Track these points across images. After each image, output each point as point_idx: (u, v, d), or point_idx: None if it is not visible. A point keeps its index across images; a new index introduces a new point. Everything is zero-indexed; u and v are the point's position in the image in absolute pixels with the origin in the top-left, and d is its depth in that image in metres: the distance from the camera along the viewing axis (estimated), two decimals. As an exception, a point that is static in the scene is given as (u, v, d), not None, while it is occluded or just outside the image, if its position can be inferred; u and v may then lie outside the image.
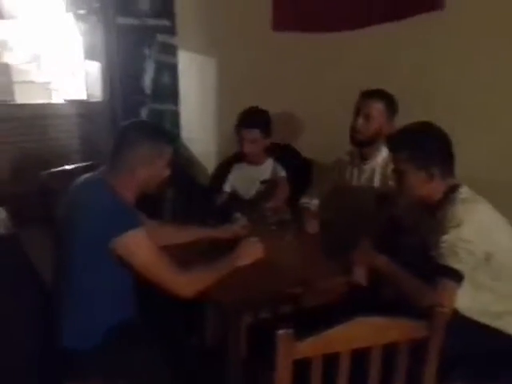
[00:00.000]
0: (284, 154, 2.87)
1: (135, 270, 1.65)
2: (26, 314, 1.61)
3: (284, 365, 1.12)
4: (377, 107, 2.22)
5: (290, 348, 1.11)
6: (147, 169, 1.71)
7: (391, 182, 2.15)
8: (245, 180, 2.76)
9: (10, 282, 1.62)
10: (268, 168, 2.74)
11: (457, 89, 2.34)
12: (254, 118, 2.63)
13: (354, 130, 2.27)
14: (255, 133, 2.60)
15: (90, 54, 4.75)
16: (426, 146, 1.67)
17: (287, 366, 1.12)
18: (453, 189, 1.68)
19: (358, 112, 2.26)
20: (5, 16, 5.43)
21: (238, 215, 2.26)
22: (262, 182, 2.71)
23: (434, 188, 1.69)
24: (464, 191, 1.67)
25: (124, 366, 1.65)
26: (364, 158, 2.33)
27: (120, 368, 1.65)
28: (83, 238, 1.60)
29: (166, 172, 1.79)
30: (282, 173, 2.71)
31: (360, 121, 2.24)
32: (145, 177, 1.71)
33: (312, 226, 2.25)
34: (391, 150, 1.79)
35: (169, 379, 1.68)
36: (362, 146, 2.30)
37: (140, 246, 1.62)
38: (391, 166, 2.17)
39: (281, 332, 1.10)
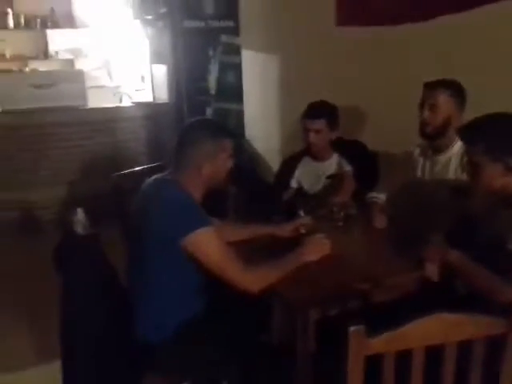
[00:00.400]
0: (350, 148, 2.83)
1: (204, 267, 1.69)
2: (107, 309, 1.68)
3: (356, 361, 1.11)
4: (442, 96, 2.16)
5: (362, 344, 1.09)
6: (212, 164, 1.76)
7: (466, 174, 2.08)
8: (310, 175, 2.76)
9: (91, 281, 1.69)
10: (333, 163, 2.72)
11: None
12: (319, 109, 2.62)
13: (422, 123, 2.21)
14: (320, 123, 2.58)
15: (156, 58, 4.90)
16: (503, 137, 1.59)
17: (359, 363, 1.11)
18: None
19: (423, 104, 2.21)
20: (78, 25, 5.71)
21: (301, 213, 2.26)
22: (328, 177, 2.70)
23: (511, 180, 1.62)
24: None
25: (194, 360, 1.69)
26: (437, 150, 2.26)
27: (190, 361, 1.70)
28: (156, 235, 1.66)
29: (230, 164, 1.84)
30: (348, 167, 2.68)
31: (426, 112, 2.18)
32: (210, 172, 1.76)
33: (380, 221, 2.22)
34: (465, 142, 1.72)
35: (237, 375, 1.70)
36: (432, 138, 2.24)
37: (210, 244, 1.66)
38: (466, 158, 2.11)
39: (352, 328, 1.09)
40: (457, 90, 2.17)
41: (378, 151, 2.87)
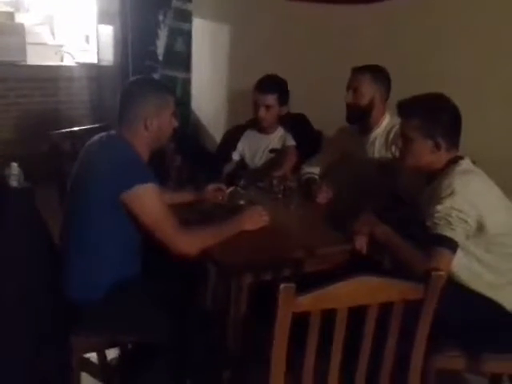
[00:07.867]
0: (295, 122, 2.84)
1: (141, 224, 1.68)
2: (37, 264, 1.64)
3: (284, 317, 1.15)
4: (364, 80, 2.25)
5: (291, 301, 1.14)
6: (157, 119, 1.75)
7: (393, 151, 2.19)
8: (253, 148, 2.78)
9: (21, 233, 1.65)
10: (277, 137, 2.74)
11: (465, 66, 2.36)
12: (271, 84, 2.62)
13: (346, 106, 2.31)
14: (271, 98, 2.59)
15: (103, 18, 4.73)
16: (437, 116, 1.70)
17: (286, 319, 1.16)
18: (454, 160, 1.71)
19: (348, 88, 2.30)
20: (20, -24, 5.39)
21: (241, 184, 2.29)
22: (271, 151, 2.72)
23: (437, 158, 1.72)
24: (465, 163, 1.70)
25: (122, 321, 1.68)
26: (362, 131, 2.36)
27: (119, 323, 1.69)
28: (99, 190, 1.64)
29: (174, 122, 1.84)
30: (291, 142, 2.71)
31: (350, 96, 2.27)
32: (156, 129, 1.75)
33: (322, 197, 2.26)
34: (402, 115, 1.80)
35: (168, 338, 1.69)
36: (356, 121, 2.34)
37: (150, 200, 1.65)
38: (392, 135, 2.21)
39: (283, 285, 1.14)
40: (380, 75, 2.27)
41: (321, 128, 2.91)
